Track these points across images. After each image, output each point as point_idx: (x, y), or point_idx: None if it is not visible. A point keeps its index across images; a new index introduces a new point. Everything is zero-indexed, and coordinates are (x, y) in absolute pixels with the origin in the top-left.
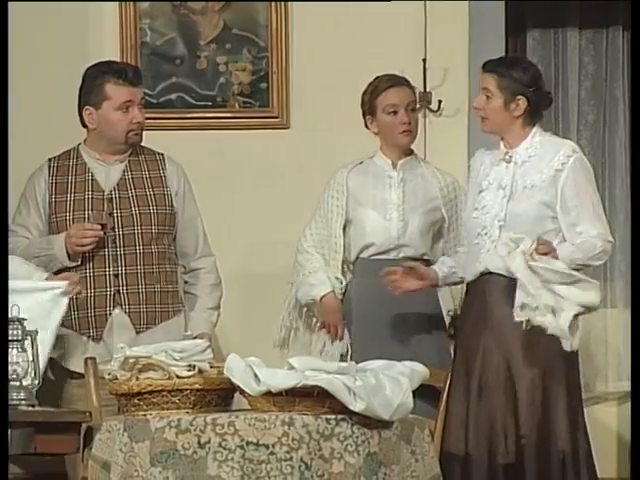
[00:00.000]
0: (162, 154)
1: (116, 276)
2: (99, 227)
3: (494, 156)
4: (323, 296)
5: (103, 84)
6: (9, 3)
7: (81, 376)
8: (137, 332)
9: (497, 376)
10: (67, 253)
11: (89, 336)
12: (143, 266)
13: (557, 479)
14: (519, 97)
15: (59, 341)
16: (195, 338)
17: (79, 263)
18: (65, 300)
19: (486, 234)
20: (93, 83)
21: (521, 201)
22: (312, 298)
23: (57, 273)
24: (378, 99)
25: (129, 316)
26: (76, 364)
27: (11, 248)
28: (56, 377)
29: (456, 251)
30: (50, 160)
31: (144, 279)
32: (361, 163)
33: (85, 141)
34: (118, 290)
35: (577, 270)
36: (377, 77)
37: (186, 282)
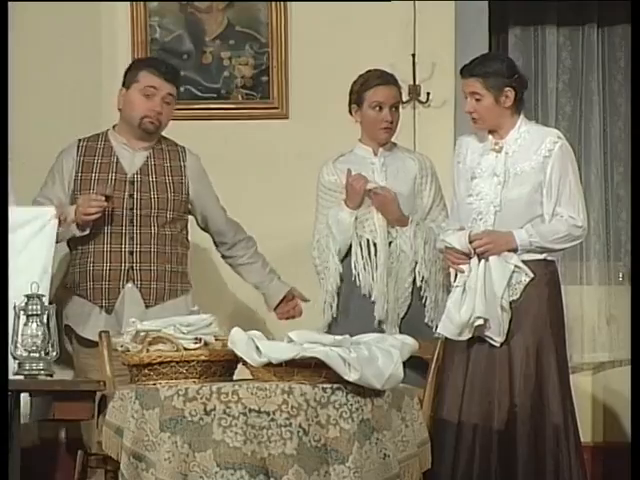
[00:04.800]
0: (183, 147)
1: (131, 253)
2: (102, 198)
3: (482, 146)
4: None
5: (139, 71)
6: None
7: (93, 344)
8: (146, 306)
9: (494, 347)
10: (77, 223)
11: (101, 306)
12: (156, 246)
13: (550, 445)
14: (506, 89)
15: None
16: (284, 298)
17: (87, 232)
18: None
19: (481, 219)
20: (133, 71)
21: (514, 187)
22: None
23: (71, 243)
24: (367, 93)
25: (140, 291)
26: (88, 331)
27: None
28: (73, 348)
29: (440, 226)
30: (80, 140)
31: (156, 258)
32: (342, 155)
33: (114, 127)
34: (132, 266)
35: (543, 252)
36: (369, 71)
37: (232, 256)
